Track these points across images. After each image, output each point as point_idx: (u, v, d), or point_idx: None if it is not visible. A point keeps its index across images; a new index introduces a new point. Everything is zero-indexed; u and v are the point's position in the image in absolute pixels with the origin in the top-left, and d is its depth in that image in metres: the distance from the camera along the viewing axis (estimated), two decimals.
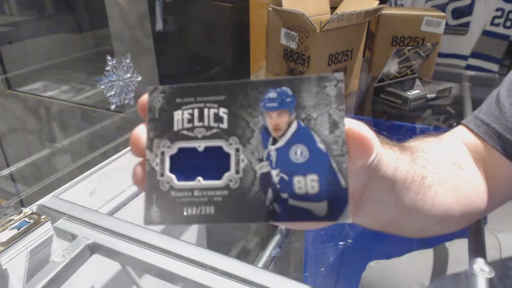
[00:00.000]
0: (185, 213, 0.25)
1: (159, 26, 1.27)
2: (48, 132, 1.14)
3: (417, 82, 1.11)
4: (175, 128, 0.26)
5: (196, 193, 0.25)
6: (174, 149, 0.26)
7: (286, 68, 1.05)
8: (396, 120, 1.04)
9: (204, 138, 0.26)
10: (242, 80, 0.26)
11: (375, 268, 0.75)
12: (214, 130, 0.26)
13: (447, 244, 0.70)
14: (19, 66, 1.14)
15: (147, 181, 0.26)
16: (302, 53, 0.98)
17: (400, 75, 1.11)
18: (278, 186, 0.24)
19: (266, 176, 0.25)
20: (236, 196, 0.25)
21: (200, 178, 0.25)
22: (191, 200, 0.25)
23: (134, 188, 0.70)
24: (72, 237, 0.57)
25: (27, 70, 1.17)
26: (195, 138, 0.26)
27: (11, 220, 0.58)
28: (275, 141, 0.25)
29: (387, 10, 1.14)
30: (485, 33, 1.27)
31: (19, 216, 0.59)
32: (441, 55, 1.30)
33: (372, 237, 0.88)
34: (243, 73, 1.41)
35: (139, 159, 0.27)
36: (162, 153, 0.26)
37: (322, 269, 0.91)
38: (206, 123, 0.26)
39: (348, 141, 0.24)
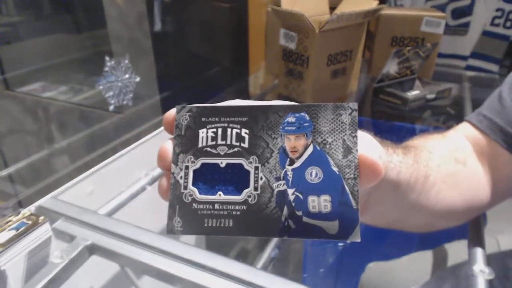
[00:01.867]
0: (205, 225, 0.27)
1: (158, 26, 1.27)
2: (46, 133, 1.14)
3: (417, 82, 1.11)
4: (200, 145, 0.28)
5: (216, 206, 0.27)
6: (197, 164, 0.28)
7: (285, 68, 1.05)
8: (396, 121, 1.04)
9: (226, 155, 0.28)
10: (264, 105, 0.28)
11: (375, 269, 0.75)
12: (236, 149, 0.28)
13: (446, 245, 0.70)
14: (17, 66, 1.13)
15: (171, 192, 0.27)
16: (301, 54, 0.98)
17: (400, 75, 1.11)
18: (293, 204, 0.26)
19: (283, 194, 0.26)
20: (253, 211, 0.26)
21: (221, 192, 0.27)
22: (212, 213, 0.27)
23: (133, 189, 0.70)
24: (71, 238, 0.57)
25: (25, 71, 1.16)
26: (218, 155, 0.28)
27: (9, 221, 0.58)
28: (292, 162, 0.27)
29: (387, 10, 1.14)
30: (485, 33, 1.27)
31: (17, 217, 0.59)
32: (441, 55, 1.30)
33: (371, 239, 0.88)
34: (241, 73, 1.41)
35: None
36: (187, 168, 0.28)
37: (321, 270, 0.91)
38: (228, 142, 0.28)
39: (360, 166, 0.26)
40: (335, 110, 0.27)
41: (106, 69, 0.72)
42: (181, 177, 0.27)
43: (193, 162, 0.28)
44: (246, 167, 0.27)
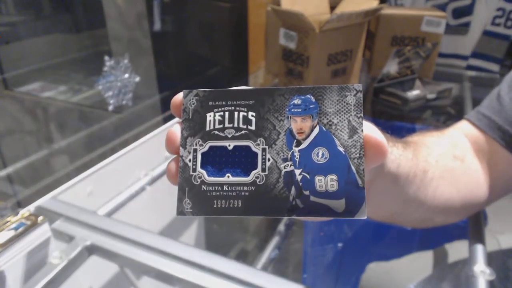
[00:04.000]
0: (215, 206, 0.27)
1: (157, 26, 1.27)
2: (46, 132, 1.14)
3: (417, 82, 1.11)
4: (207, 128, 0.29)
5: (225, 187, 0.28)
6: (205, 147, 0.28)
7: (285, 68, 1.05)
8: (396, 121, 1.04)
9: (234, 138, 0.28)
10: (270, 87, 0.28)
11: (375, 270, 0.74)
12: (243, 131, 0.28)
13: (447, 245, 0.70)
14: (16, 66, 1.13)
15: (180, 175, 0.28)
16: (301, 53, 0.98)
17: (400, 75, 1.10)
18: (300, 184, 0.27)
19: (290, 175, 0.27)
20: (262, 192, 0.27)
21: (229, 174, 0.28)
22: (221, 194, 0.27)
23: (132, 189, 0.70)
24: (70, 238, 0.57)
25: (24, 70, 1.16)
26: (225, 138, 0.28)
27: (8, 221, 0.58)
28: (298, 143, 0.28)
29: (387, 10, 1.14)
30: (486, 33, 1.27)
31: (16, 218, 0.59)
32: (441, 55, 1.30)
33: (371, 239, 0.88)
34: (241, 73, 1.41)
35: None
36: (195, 151, 0.28)
37: (321, 270, 0.90)
38: (235, 125, 0.28)
39: (365, 145, 0.27)
40: (340, 92, 0.28)
41: (106, 69, 0.72)
42: (189, 160, 0.28)
43: (201, 145, 0.28)
44: (254, 149, 0.28)
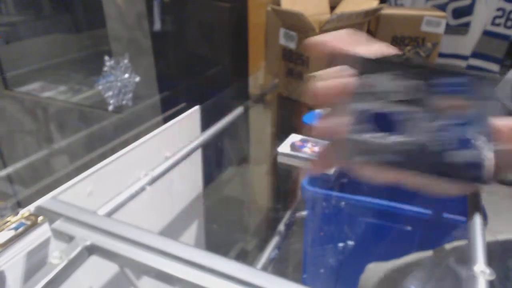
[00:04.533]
0: (359, 159, 0.32)
1: (157, 26, 1.27)
2: (46, 132, 1.14)
3: None
4: (364, 91, 0.32)
5: (372, 145, 0.31)
6: (360, 108, 0.32)
7: (285, 68, 1.05)
8: None
9: (388, 103, 0.31)
10: (431, 65, 0.33)
11: (374, 270, 0.74)
12: (397, 99, 0.31)
13: (446, 246, 0.70)
14: (16, 66, 1.13)
15: (335, 132, 0.33)
16: (301, 53, 0.98)
17: None
18: (438, 152, 0.31)
19: (431, 143, 0.31)
20: (417, 152, 0.31)
21: (378, 133, 0.31)
22: (381, 151, 0.31)
23: (132, 189, 0.70)
24: (70, 238, 0.57)
25: (24, 71, 1.16)
26: (379, 103, 0.32)
27: (8, 221, 0.58)
28: (443, 119, 0.31)
29: (387, 10, 1.14)
30: (486, 33, 1.27)
31: (16, 218, 0.59)
32: (441, 55, 1.29)
33: (372, 239, 0.88)
34: (241, 73, 1.41)
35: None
36: (350, 110, 0.32)
37: (321, 270, 0.90)
38: (395, 90, 0.31)
39: (496, 130, 0.30)
40: (483, 80, 0.31)
41: (106, 68, 0.72)
42: (345, 119, 0.32)
43: (356, 106, 0.32)
44: (405, 116, 0.31)
